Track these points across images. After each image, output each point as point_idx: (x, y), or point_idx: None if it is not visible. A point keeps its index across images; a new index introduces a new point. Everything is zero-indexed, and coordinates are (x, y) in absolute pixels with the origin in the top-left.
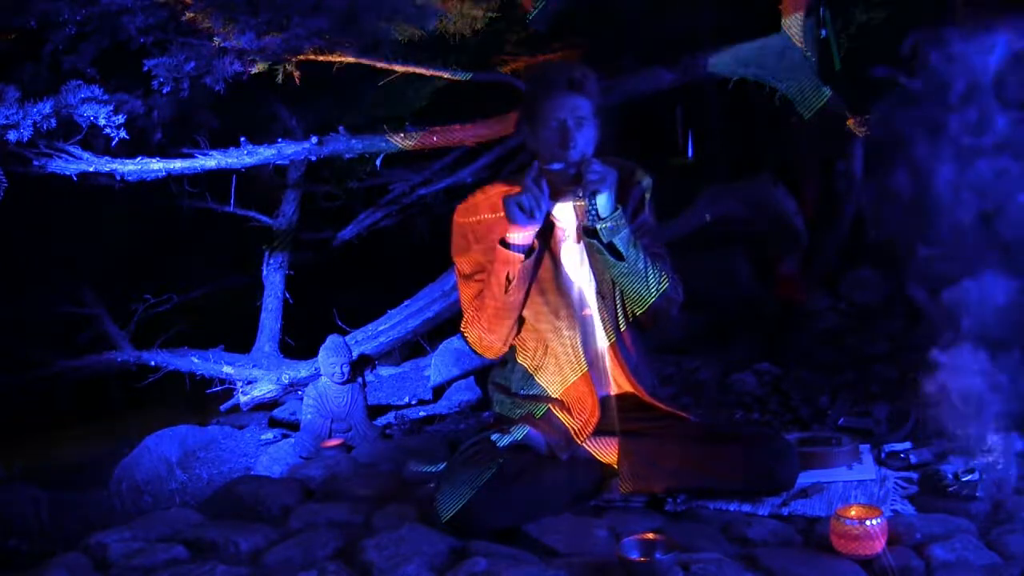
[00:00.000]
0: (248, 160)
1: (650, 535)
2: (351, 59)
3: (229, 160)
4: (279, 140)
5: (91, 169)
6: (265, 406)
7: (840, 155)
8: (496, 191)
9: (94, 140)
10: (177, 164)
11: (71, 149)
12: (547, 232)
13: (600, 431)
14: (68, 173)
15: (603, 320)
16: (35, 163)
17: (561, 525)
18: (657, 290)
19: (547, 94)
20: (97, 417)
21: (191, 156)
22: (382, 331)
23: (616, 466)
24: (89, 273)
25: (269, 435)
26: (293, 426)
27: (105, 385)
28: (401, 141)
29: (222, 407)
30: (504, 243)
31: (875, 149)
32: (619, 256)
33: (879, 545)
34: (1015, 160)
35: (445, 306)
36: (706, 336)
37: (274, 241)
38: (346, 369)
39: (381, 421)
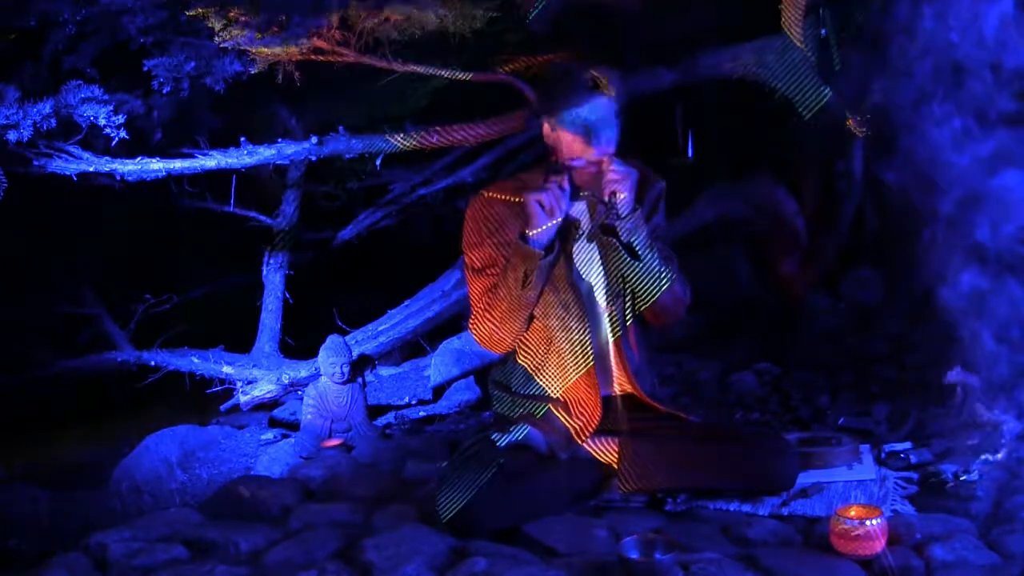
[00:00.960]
0: (248, 160)
1: (650, 535)
2: (351, 59)
3: (229, 160)
4: (279, 140)
5: (91, 169)
6: (265, 406)
7: (840, 155)
8: (513, 186)
9: (94, 140)
10: (177, 164)
11: (71, 149)
12: (563, 230)
13: (600, 431)
14: (68, 173)
15: (611, 319)
16: (35, 163)
17: (561, 525)
18: (670, 291)
19: (571, 93)
20: (97, 417)
21: (191, 156)
22: (382, 331)
23: (616, 466)
24: (89, 273)
25: (269, 435)
26: (293, 426)
27: (105, 385)
28: (401, 141)
29: (222, 407)
30: (524, 239)
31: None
32: (636, 256)
33: (879, 545)
34: None
35: (445, 306)
36: (706, 336)
37: (274, 241)
38: (346, 369)
39: (381, 421)
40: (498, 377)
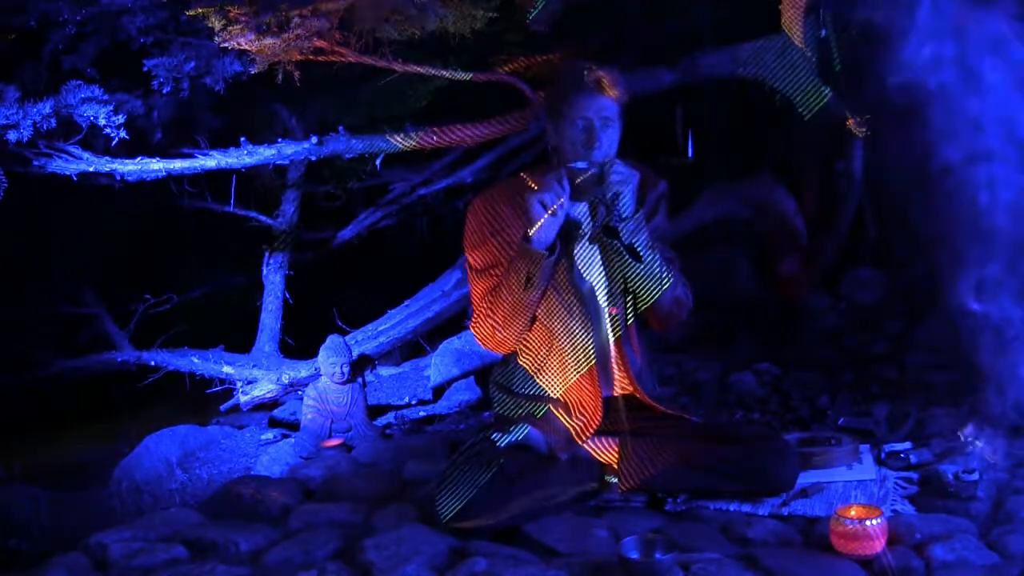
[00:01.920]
0: (248, 160)
1: (650, 535)
2: (351, 59)
3: (229, 160)
4: (279, 140)
5: (91, 169)
6: (265, 406)
7: (840, 155)
8: (514, 186)
9: (94, 140)
10: (177, 164)
11: (71, 149)
12: (564, 231)
13: (601, 431)
14: (68, 173)
15: (612, 320)
16: (35, 163)
17: (561, 525)
18: (670, 293)
19: (575, 93)
20: (97, 417)
21: (191, 156)
22: (382, 331)
23: (616, 466)
24: (89, 273)
25: (269, 435)
26: (293, 426)
27: (105, 385)
28: (401, 141)
29: (222, 407)
30: (526, 240)
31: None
32: (637, 257)
33: (879, 545)
34: None
35: (445, 306)
36: (706, 336)
37: (274, 241)
38: (346, 369)
39: (381, 421)
40: (499, 378)
